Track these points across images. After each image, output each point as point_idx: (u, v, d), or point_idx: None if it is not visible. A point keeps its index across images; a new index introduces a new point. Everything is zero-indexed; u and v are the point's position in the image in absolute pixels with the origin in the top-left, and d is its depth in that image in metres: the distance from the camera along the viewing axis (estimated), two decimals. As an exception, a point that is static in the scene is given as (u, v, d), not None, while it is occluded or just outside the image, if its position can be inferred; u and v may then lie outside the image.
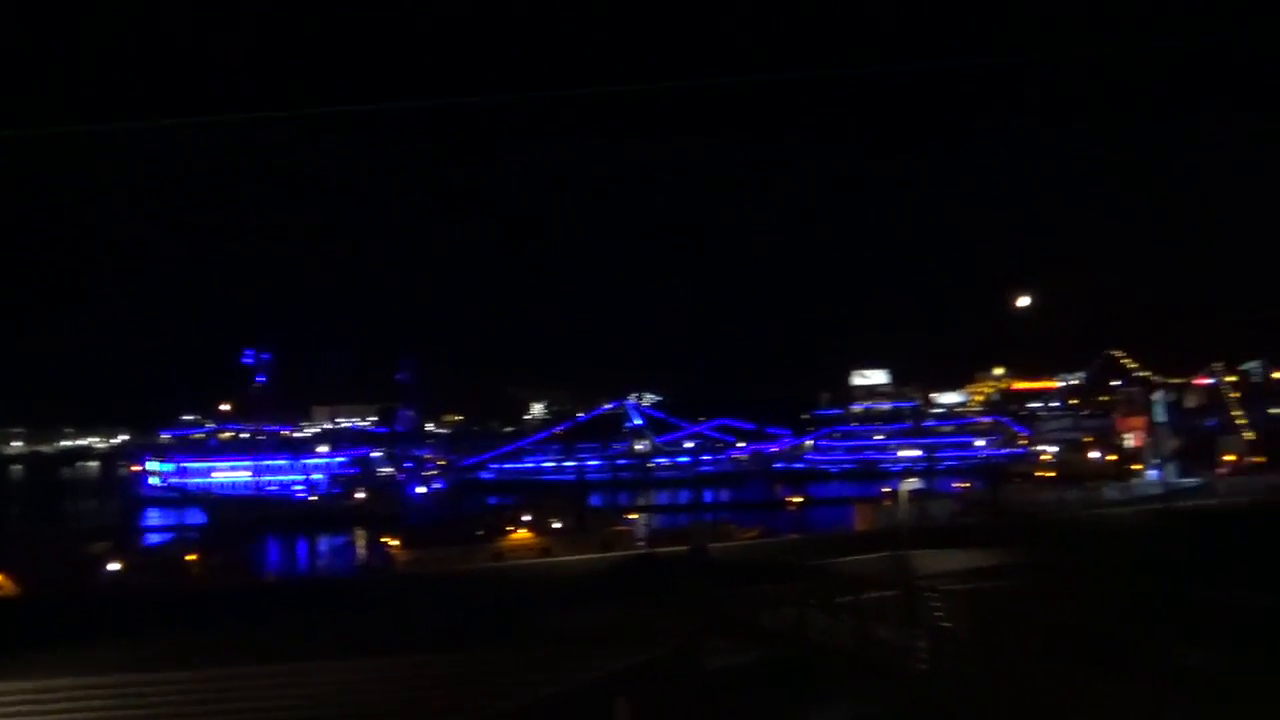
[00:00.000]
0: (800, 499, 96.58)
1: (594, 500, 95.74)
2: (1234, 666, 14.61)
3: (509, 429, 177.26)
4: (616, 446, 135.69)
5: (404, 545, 52.29)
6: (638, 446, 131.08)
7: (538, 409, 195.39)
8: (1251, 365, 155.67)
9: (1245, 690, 14.02)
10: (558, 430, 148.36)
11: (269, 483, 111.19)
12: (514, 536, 49.91)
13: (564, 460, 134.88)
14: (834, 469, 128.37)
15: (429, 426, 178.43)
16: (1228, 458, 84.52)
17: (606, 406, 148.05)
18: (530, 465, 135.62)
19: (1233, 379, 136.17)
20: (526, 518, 52.52)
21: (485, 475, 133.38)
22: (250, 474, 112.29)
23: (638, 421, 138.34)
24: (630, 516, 66.80)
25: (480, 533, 51.54)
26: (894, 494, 56.32)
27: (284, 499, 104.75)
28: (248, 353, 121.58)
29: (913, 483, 49.73)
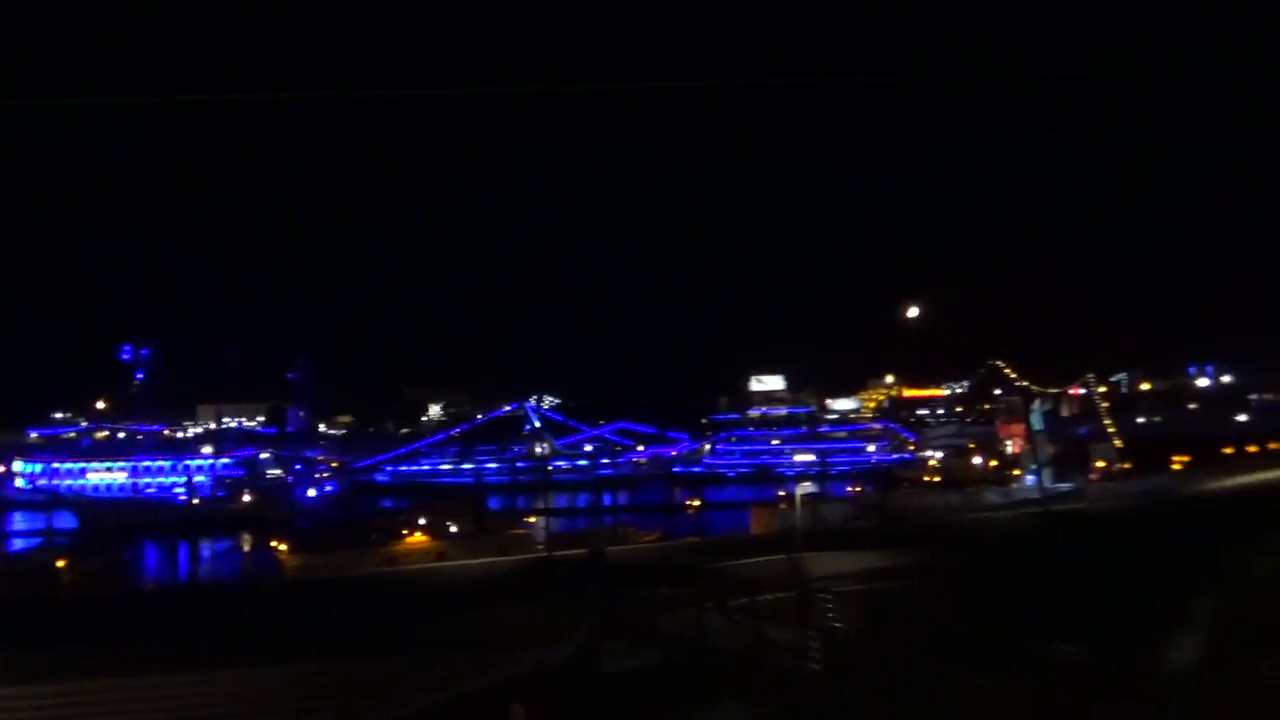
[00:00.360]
0: (698, 502, 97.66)
1: (492, 503, 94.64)
2: (1099, 662, 15.45)
3: (405, 431, 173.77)
4: (515, 449, 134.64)
5: (292, 550, 50.61)
6: (537, 449, 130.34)
7: (435, 411, 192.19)
8: (1120, 377, 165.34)
9: (1108, 683, 14.85)
10: (455, 432, 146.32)
11: (147, 485, 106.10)
12: (409, 540, 48.86)
13: (461, 463, 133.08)
14: (731, 473, 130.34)
15: (321, 427, 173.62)
16: (1099, 464, 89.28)
17: (505, 409, 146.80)
18: (427, 467, 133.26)
19: (1104, 389, 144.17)
20: (422, 521, 51.50)
21: (379, 477, 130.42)
22: (127, 476, 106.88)
23: (537, 424, 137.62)
24: (529, 520, 66.25)
25: (373, 536, 50.30)
26: (789, 498, 57.48)
27: (164, 502, 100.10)
28: (125, 348, 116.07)
29: (807, 486, 50.86)
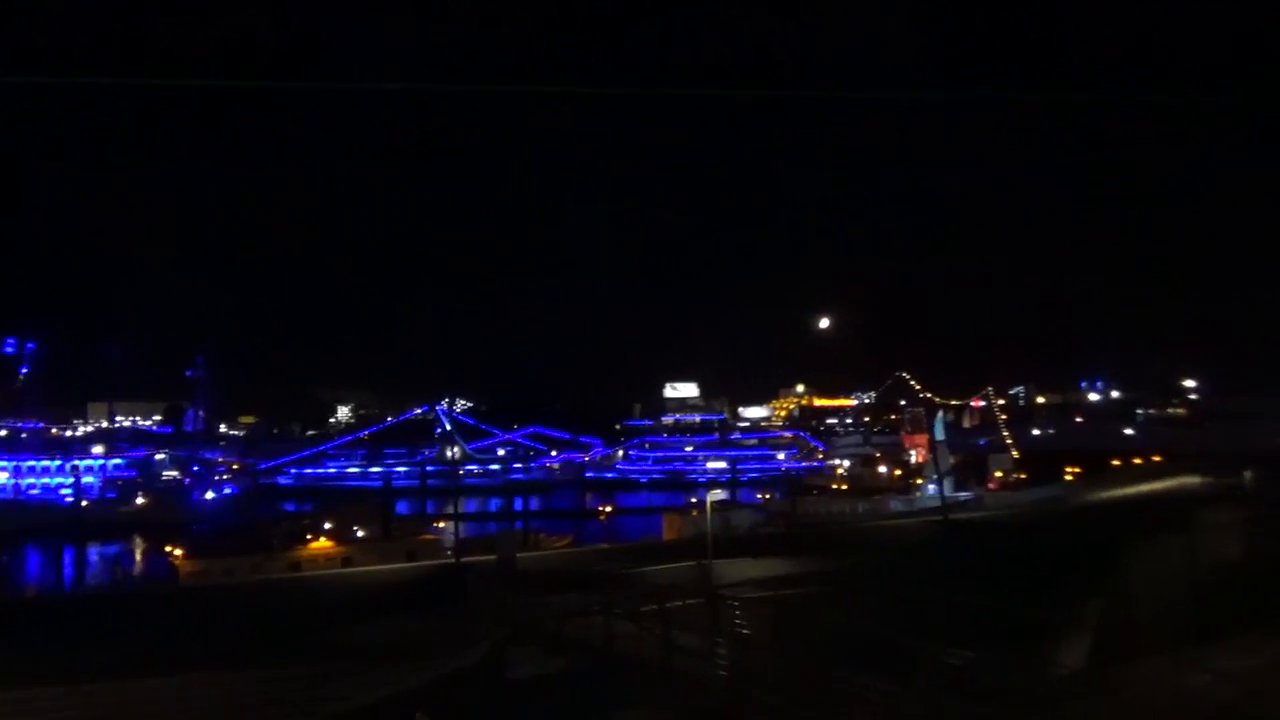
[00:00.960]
0: (610, 508, 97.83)
1: (400, 508, 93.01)
2: (994, 666, 16.01)
3: (312, 432, 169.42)
4: (426, 452, 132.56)
5: (188, 555, 48.65)
6: (448, 453, 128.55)
7: (344, 412, 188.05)
8: (1018, 390, 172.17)
9: (1002, 687, 15.39)
10: (364, 434, 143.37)
11: (31, 485, 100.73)
12: (313, 545, 47.51)
13: (370, 466, 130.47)
14: (644, 479, 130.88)
15: (222, 427, 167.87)
16: (997, 474, 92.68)
17: (416, 411, 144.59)
18: (333, 470, 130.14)
19: (1002, 402, 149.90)
20: (327, 525, 50.16)
21: (283, 480, 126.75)
22: (8, 476, 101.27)
23: (448, 427, 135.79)
24: (438, 525, 65.27)
25: (275, 541, 48.74)
26: (700, 504, 58.03)
27: (49, 503, 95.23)
28: (9, 341, 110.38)
29: (718, 493, 51.36)
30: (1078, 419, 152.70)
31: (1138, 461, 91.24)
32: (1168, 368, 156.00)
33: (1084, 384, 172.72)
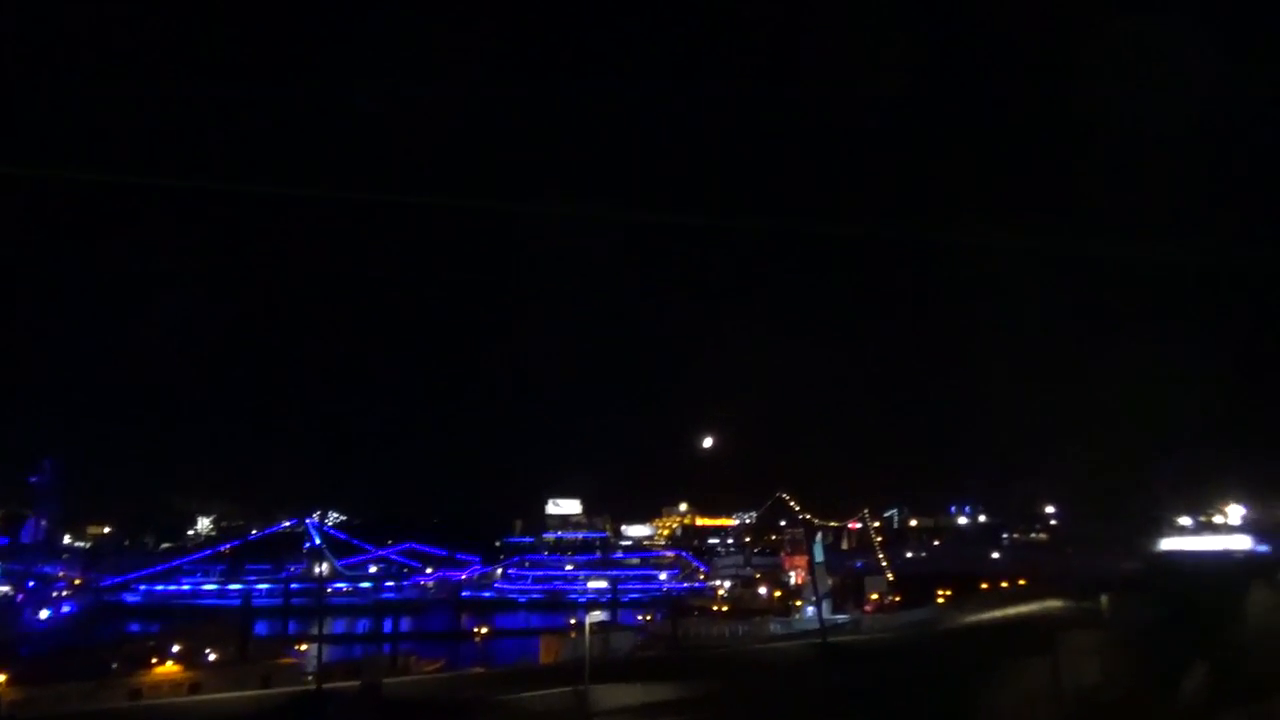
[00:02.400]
0: (486, 629, 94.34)
1: (260, 628, 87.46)
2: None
3: (167, 545, 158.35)
4: (292, 568, 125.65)
5: (13, 680, 44.05)
6: (316, 569, 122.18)
7: (204, 523, 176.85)
8: (892, 513, 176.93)
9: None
10: (224, 548, 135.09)
11: None
12: (157, 670, 43.85)
13: (229, 582, 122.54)
14: (522, 598, 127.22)
15: (67, 538, 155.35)
16: (873, 596, 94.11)
17: (285, 524, 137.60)
18: (187, 587, 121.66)
19: (877, 524, 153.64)
20: (176, 648, 46.50)
21: (129, 598, 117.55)
22: None
23: (318, 542, 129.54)
24: (299, 647, 61.41)
25: (115, 665, 44.77)
26: (579, 626, 56.56)
27: None
28: None
29: (598, 615, 50.25)
30: (948, 542, 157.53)
31: (1004, 585, 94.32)
32: (1030, 494, 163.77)
33: (954, 508, 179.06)
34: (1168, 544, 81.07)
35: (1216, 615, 50.54)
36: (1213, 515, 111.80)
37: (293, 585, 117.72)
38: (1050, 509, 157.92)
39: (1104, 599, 55.76)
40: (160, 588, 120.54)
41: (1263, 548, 77.56)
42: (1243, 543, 78.92)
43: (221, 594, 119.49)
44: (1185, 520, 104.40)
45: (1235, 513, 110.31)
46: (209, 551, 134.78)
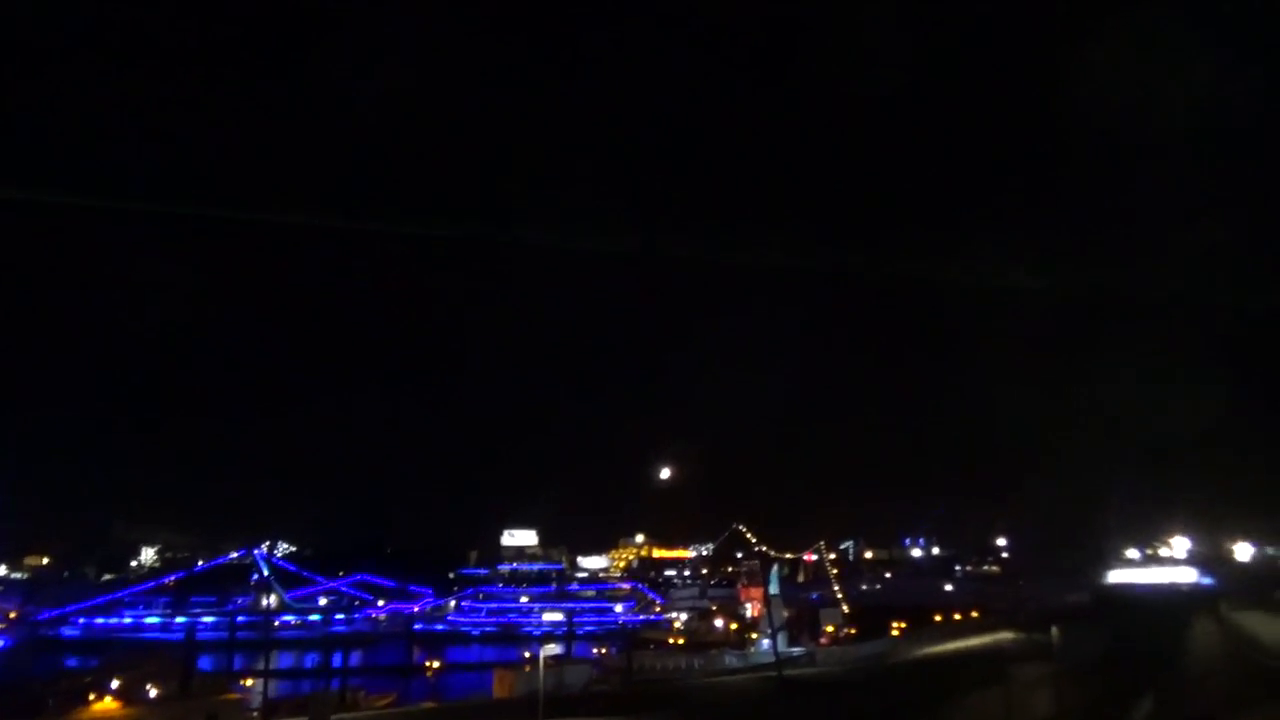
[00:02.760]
0: (438, 663, 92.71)
1: (203, 663, 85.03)
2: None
3: (109, 576, 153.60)
4: (238, 601, 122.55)
5: (-59, 720, 42.40)
6: (264, 602, 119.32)
7: (149, 554, 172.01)
8: (847, 544, 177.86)
9: None
10: (169, 580, 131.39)
11: None
12: (95, 707, 42.39)
13: (173, 615, 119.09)
14: (476, 631, 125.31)
15: (2, 570, 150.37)
16: (828, 629, 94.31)
17: (232, 555, 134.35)
18: (129, 620, 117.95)
19: (833, 556, 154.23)
20: (115, 684, 44.99)
21: (67, 631, 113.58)
22: None
23: (265, 573, 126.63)
24: (245, 683, 59.86)
25: (51, 702, 43.24)
26: (533, 659, 55.88)
27: None
28: None
29: (552, 648, 49.68)
30: (902, 574, 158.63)
31: (957, 617, 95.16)
32: (982, 527, 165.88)
33: (908, 540, 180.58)
34: (1115, 576, 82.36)
35: (1162, 647, 51.36)
36: (1159, 548, 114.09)
37: (239, 618, 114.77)
38: (1002, 541, 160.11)
39: (1054, 631, 56.36)
40: (100, 621, 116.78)
41: (1207, 580, 79.09)
42: (1188, 575, 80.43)
43: (165, 627, 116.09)
44: (1132, 553, 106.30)
45: (1180, 545, 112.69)
46: (152, 583, 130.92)
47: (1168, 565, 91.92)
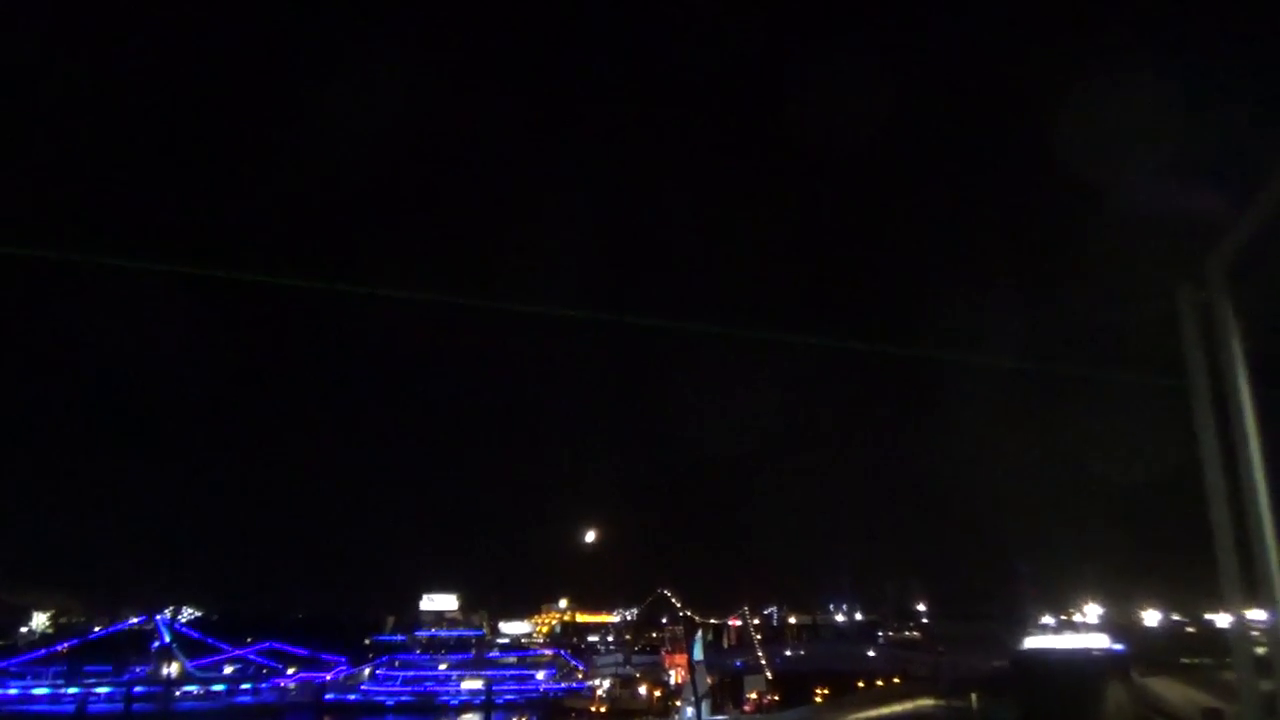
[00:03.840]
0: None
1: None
2: None
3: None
4: (137, 670, 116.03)
5: None
6: (164, 671, 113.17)
7: (40, 620, 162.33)
8: (771, 610, 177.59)
9: None
10: (61, 647, 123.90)
11: None
12: (-31, 788, 39.37)
13: (64, 686, 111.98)
14: (390, 701, 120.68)
15: None
16: (751, 695, 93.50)
17: (132, 621, 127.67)
18: (15, 691, 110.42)
19: (756, 622, 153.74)
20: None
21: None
22: None
23: (167, 640, 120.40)
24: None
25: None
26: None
27: None
28: None
29: (470, 718, 48.11)
30: (825, 640, 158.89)
31: (879, 683, 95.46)
32: (902, 592, 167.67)
33: (831, 605, 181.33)
34: (1031, 642, 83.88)
35: (1076, 711, 52.25)
36: (1073, 614, 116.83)
37: (136, 688, 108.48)
38: (922, 607, 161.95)
39: (974, 697, 56.98)
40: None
41: (1118, 646, 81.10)
42: (1100, 641, 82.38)
43: (55, 699, 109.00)
44: (1048, 619, 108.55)
45: (1092, 612, 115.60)
46: (42, 652, 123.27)
47: (1081, 631, 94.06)
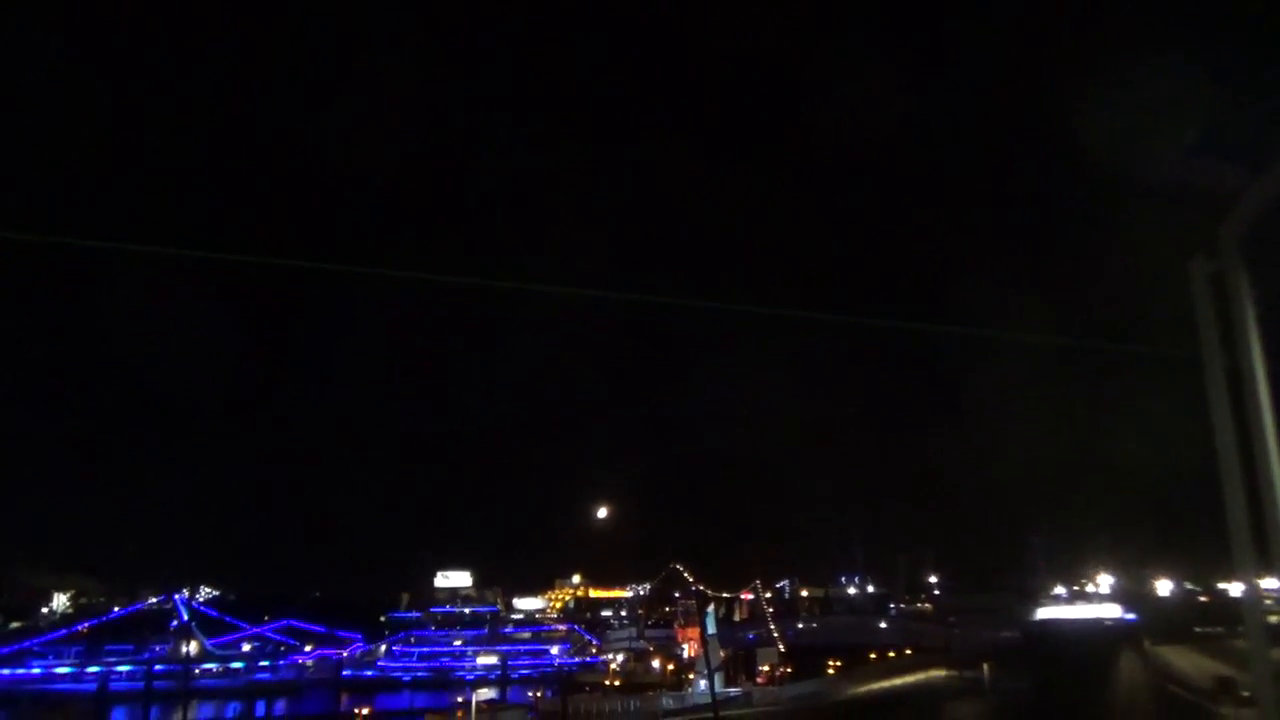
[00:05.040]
0: (368, 710, 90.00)
1: (117, 715, 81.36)
2: None
3: (16, 624, 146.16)
4: (157, 649, 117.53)
5: None
6: (183, 649, 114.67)
7: (60, 600, 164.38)
8: (783, 583, 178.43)
9: None
10: (82, 627, 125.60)
11: None
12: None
13: (86, 665, 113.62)
14: (407, 677, 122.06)
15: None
16: (764, 668, 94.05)
17: (151, 601, 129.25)
18: (37, 671, 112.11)
19: (769, 595, 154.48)
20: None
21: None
22: None
23: (186, 619, 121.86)
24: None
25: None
26: (466, 704, 54.72)
27: None
28: None
29: (485, 692, 48.71)
30: (838, 612, 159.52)
31: (891, 655, 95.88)
32: (914, 565, 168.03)
33: (843, 578, 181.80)
34: (1043, 613, 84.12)
35: (1088, 683, 52.44)
36: (1085, 585, 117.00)
37: (156, 667, 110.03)
38: (934, 579, 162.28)
39: (986, 667, 57.24)
40: (6, 672, 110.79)
41: (1130, 616, 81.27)
42: (1112, 611, 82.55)
43: (76, 678, 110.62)
44: (1060, 590, 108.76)
45: (1105, 582, 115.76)
46: (63, 631, 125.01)
47: (1094, 601, 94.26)
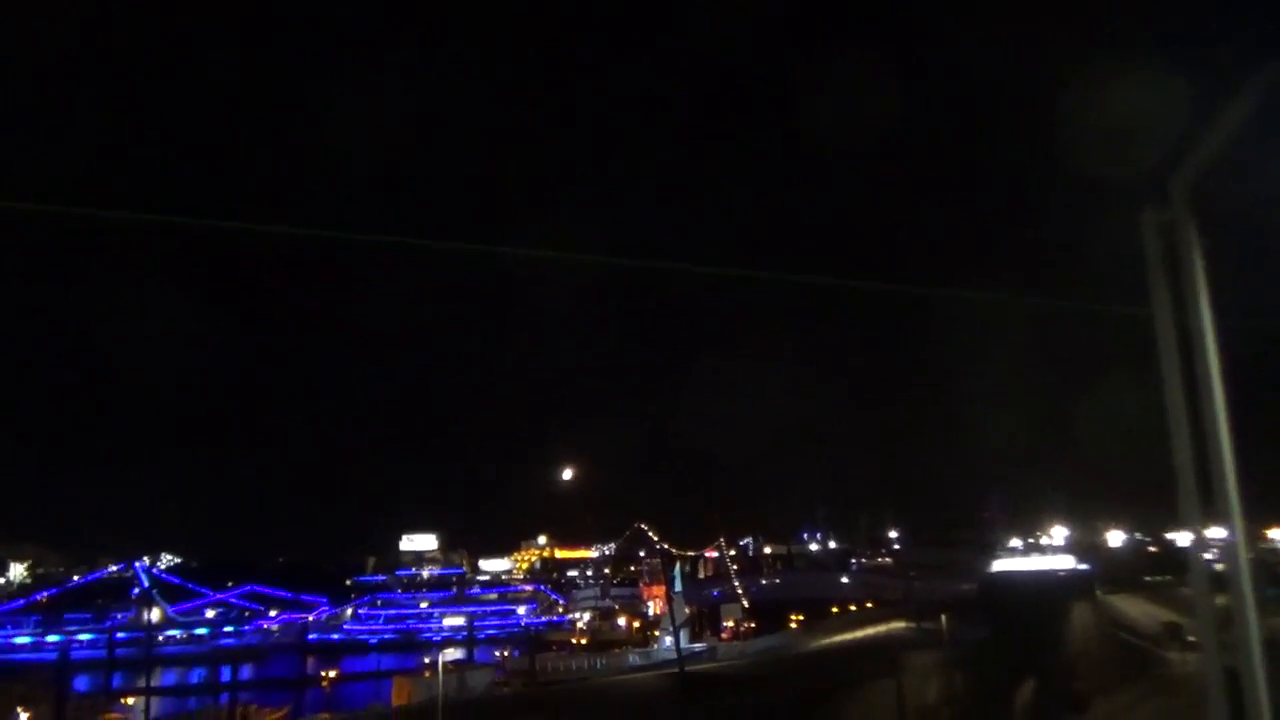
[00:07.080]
0: (334, 674, 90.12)
1: (79, 684, 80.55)
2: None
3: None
4: (118, 617, 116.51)
5: None
6: (145, 616, 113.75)
7: (18, 570, 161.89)
8: (747, 541, 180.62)
9: None
10: (40, 597, 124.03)
11: None
12: (-44, 736, 39.66)
13: (45, 634, 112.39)
14: (373, 640, 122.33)
15: None
16: (729, 624, 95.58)
17: (111, 569, 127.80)
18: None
19: (733, 552, 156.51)
20: (-21, 710, 42.22)
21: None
22: None
23: (147, 586, 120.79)
24: (126, 702, 56.94)
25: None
26: (433, 665, 54.93)
27: None
28: None
29: (452, 653, 48.93)
30: (800, 568, 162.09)
31: (853, 608, 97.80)
32: (874, 521, 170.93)
33: (805, 535, 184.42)
34: (1000, 565, 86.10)
35: (1042, 632, 53.92)
36: (1040, 537, 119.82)
37: (118, 635, 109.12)
38: (894, 534, 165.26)
39: (943, 619, 58.55)
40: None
41: (1083, 566, 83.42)
42: (1066, 562, 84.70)
43: (36, 647, 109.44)
44: (1016, 543, 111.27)
45: (1059, 534, 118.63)
46: (21, 602, 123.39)
47: (1048, 553, 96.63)
